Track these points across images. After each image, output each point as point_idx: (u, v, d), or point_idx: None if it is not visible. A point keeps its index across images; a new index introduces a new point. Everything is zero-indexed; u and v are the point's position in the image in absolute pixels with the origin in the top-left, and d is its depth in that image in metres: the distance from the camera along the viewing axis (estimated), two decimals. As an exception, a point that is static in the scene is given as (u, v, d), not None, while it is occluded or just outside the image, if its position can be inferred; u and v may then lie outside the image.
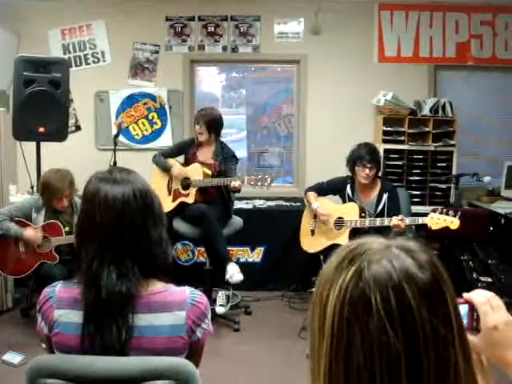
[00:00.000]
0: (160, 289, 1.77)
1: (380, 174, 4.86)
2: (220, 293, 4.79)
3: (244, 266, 4.85)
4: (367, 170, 4.58)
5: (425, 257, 0.92)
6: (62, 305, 1.76)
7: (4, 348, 4.18)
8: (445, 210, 4.12)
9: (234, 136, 6.61)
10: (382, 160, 4.99)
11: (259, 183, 4.72)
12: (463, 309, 1.08)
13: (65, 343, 1.73)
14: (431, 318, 0.87)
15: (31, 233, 4.47)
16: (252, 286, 5.49)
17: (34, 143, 4.97)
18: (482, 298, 1.13)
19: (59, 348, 1.75)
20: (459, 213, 4.07)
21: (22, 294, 5.22)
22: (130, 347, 1.69)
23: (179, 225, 4.93)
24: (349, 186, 4.77)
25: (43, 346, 1.87)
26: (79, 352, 1.69)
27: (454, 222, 4.06)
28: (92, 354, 1.67)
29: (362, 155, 4.59)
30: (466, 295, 1.13)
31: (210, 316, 1.84)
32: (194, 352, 1.80)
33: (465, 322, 1.08)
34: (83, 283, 1.74)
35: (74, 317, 1.72)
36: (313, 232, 4.85)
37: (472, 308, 1.13)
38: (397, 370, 0.86)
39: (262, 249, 5.73)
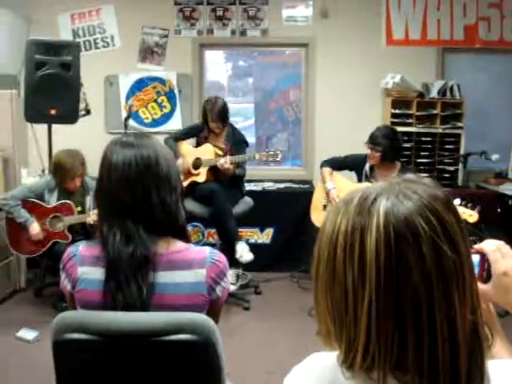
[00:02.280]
0: (181, 248, 1.81)
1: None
2: (230, 271, 4.81)
3: (253, 248, 4.88)
4: (369, 151, 4.64)
5: (427, 179, 0.99)
6: (85, 262, 1.80)
7: (18, 325, 4.23)
8: (463, 203, 4.08)
9: (242, 124, 6.64)
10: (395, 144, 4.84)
11: (271, 158, 4.76)
12: (475, 259, 1.12)
13: (88, 299, 1.77)
14: (458, 222, 0.94)
15: (35, 230, 4.53)
16: (261, 267, 5.51)
17: (45, 127, 5.00)
18: (493, 246, 1.17)
19: (82, 305, 1.79)
20: (478, 206, 4.04)
21: (35, 275, 5.27)
22: (151, 304, 1.72)
23: (190, 205, 4.89)
24: (367, 165, 4.78)
25: None
26: (102, 308, 1.72)
27: (472, 216, 4.01)
28: (114, 311, 1.71)
29: (370, 136, 4.64)
30: (476, 246, 1.17)
31: (228, 275, 1.88)
32: (213, 309, 1.85)
33: (476, 271, 1.12)
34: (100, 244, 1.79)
35: (97, 273, 1.76)
36: (325, 207, 4.87)
37: (483, 257, 1.17)
38: (449, 282, 0.90)
39: (272, 230, 5.77)
